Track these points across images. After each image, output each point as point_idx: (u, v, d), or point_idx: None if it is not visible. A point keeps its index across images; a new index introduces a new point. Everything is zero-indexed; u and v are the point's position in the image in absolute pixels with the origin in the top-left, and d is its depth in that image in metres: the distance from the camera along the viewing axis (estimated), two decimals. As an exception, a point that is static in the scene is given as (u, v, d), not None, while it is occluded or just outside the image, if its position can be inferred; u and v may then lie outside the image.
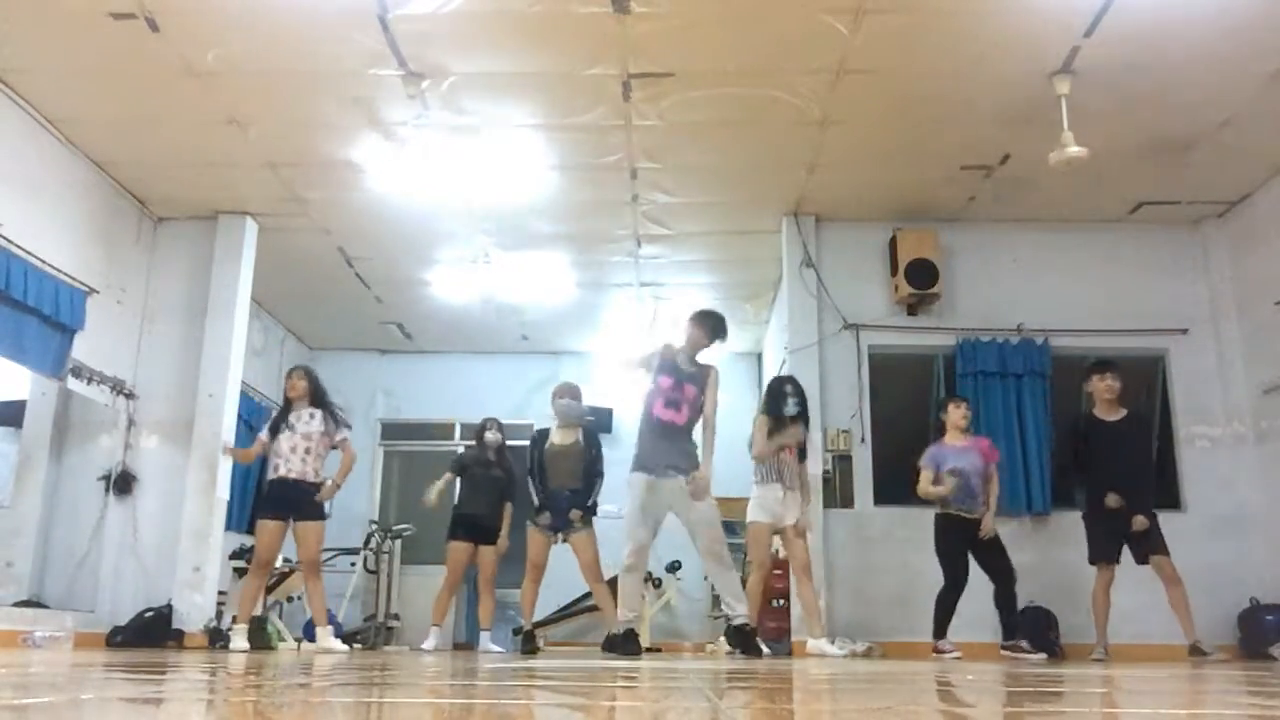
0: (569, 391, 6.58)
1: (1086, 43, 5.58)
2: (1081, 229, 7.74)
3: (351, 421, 6.87)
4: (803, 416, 6.10)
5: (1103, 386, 5.99)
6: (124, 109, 6.36)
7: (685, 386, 5.49)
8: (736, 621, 5.49)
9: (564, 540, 6.40)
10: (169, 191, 7.48)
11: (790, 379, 6.34)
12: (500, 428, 7.26)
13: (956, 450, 6.17)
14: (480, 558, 7.04)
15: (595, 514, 6.43)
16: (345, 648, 6.42)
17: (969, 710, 1.95)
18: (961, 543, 6.07)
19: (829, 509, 7.19)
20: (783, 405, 6.04)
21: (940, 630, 6.06)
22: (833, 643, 6.07)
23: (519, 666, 3.88)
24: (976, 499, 6.07)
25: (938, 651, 6.02)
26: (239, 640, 5.95)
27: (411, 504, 9.10)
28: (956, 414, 6.24)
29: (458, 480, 7.17)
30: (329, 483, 6.21)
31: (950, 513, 6.10)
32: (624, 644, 5.37)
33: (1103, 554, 5.91)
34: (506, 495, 7.09)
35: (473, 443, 7.43)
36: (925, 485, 6.12)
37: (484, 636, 7.14)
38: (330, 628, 6.23)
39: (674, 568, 9.33)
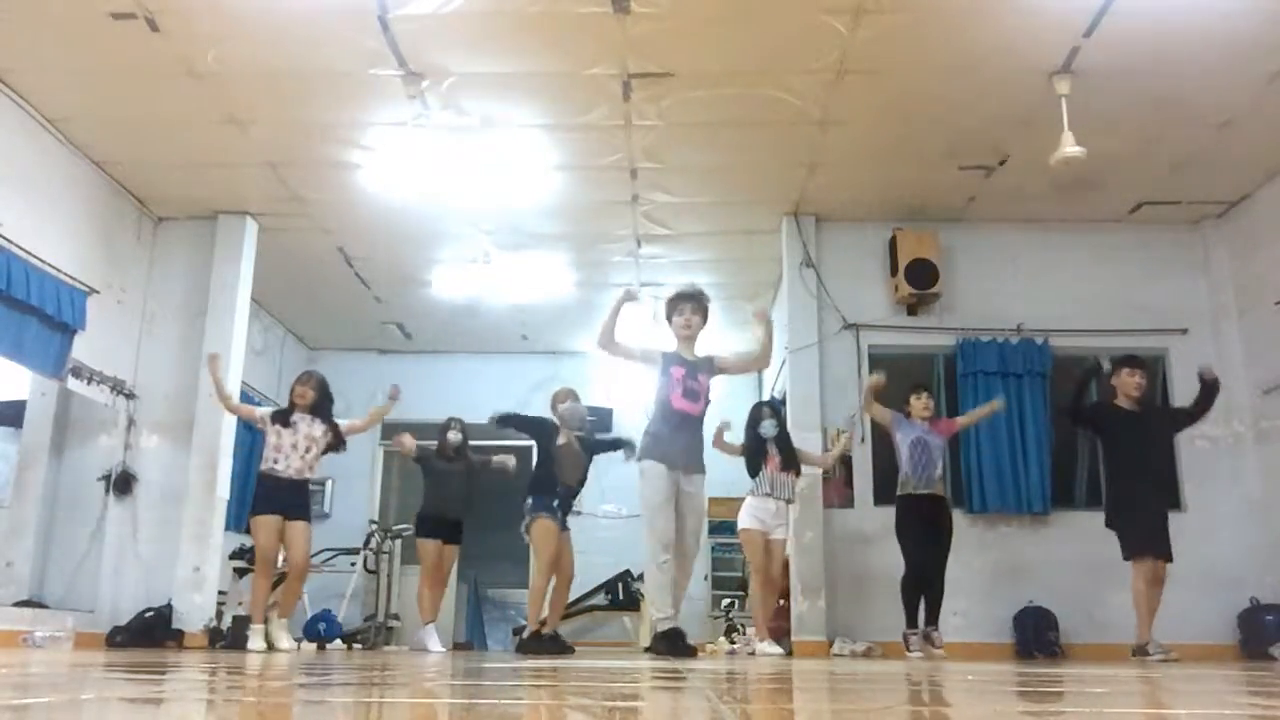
0: (570, 397, 6.60)
1: (1086, 43, 5.58)
2: (1081, 229, 7.74)
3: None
4: (782, 438, 6.44)
5: (1132, 382, 5.94)
6: (124, 109, 6.36)
7: (699, 376, 5.47)
8: (663, 626, 5.19)
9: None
10: (169, 191, 7.48)
11: (768, 402, 6.83)
12: (463, 428, 7.31)
13: (921, 427, 6.32)
14: (444, 556, 7.18)
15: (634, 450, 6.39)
16: (293, 647, 6.36)
17: (970, 711, 1.96)
18: (921, 523, 6.18)
19: (829, 509, 7.20)
20: (758, 426, 6.43)
21: (911, 619, 6.17)
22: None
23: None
24: (935, 477, 6.22)
25: (905, 640, 6.14)
26: (256, 640, 5.93)
27: (411, 504, 9.08)
28: (919, 404, 6.41)
29: (422, 478, 7.24)
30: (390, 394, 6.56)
31: (910, 493, 6.23)
32: (675, 645, 5.07)
33: (1138, 548, 5.70)
34: (470, 488, 7.20)
35: (433, 442, 7.41)
36: (870, 398, 6.41)
37: (430, 630, 7.16)
38: (285, 620, 6.19)
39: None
